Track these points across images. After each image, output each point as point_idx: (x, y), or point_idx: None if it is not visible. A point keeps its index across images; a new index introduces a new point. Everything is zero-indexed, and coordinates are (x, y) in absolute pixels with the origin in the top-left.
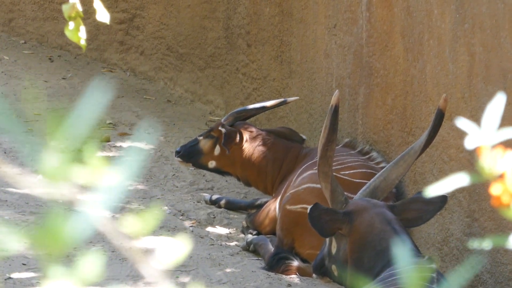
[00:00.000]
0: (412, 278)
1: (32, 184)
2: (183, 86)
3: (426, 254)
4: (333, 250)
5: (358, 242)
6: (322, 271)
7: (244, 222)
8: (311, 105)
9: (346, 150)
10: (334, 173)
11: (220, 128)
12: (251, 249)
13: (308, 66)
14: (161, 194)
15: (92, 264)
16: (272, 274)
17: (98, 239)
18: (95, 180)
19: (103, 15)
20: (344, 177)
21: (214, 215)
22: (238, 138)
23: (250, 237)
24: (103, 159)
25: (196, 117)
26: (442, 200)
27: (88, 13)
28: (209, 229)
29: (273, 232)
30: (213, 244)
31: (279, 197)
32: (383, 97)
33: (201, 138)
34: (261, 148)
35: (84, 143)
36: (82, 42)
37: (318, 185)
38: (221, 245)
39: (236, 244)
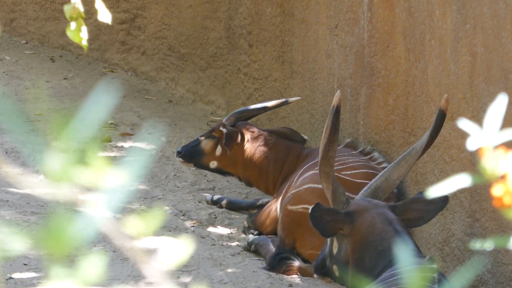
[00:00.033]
0: (414, 278)
1: (33, 184)
2: (184, 86)
3: (427, 254)
4: (335, 250)
5: (360, 242)
6: (323, 271)
7: (245, 222)
8: (312, 105)
9: (347, 151)
10: (335, 174)
11: (221, 128)
12: (252, 249)
13: (309, 67)
14: (162, 194)
15: (93, 264)
16: (273, 274)
17: (99, 239)
18: (98, 181)
19: (105, 16)
20: (345, 177)
21: (215, 215)
22: (239, 138)
23: (251, 237)
24: (105, 159)
25: (198, 117)
26: (443, 201)
27: (89, 13)
28: (211, 229)
29: (274, 232)
30: (214, 244)
31: (281, 197)
32: (384, 98)
33: (202, 138)
34: (262, 148)
35: (86, 143)
36: (84, 42)
37: (320, 186)
38: (222, 245)
39: (237, 244)
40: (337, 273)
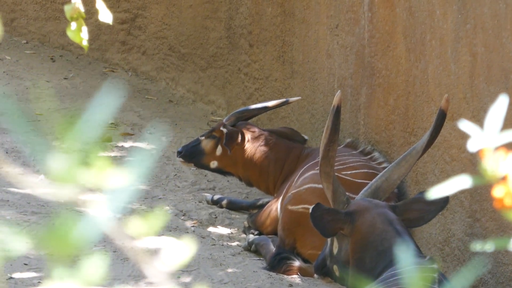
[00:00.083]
0: (414, 278)
1: (34, 184)
2: (185, 86)
3: (428, 254)
4: (335, 250)
5: (360, 242)
6: (323, 271)
7: (245, 222)
8: (313, 105)
9: (348, 150)
10: (336, 173)
11: (222, 128)
12: (253, 249)
13: (310, 66)
14: (162, 194)
15: (94, 264)
16: (273, 274)
17: (100, 239)
18: (100, 181)
19: (105, 16)
20: (346, 177)
21: (215, 215)
22: (240, 138)
23: (251, 237)
24: (107, 159)
25: (198, 117)
26: (443, 201)
27: (90, 13)
28: (211, 229)
29: (274, 232)
30: (214, 244)
31: (281, 197)
32: (385, 98)
33: (203, 138)
34: (263, 148)
35: (88, 143)
36: (84, 42)
37: (320, 185)
38: (222, 245)
39: (237, 244)
40: (337, 273)
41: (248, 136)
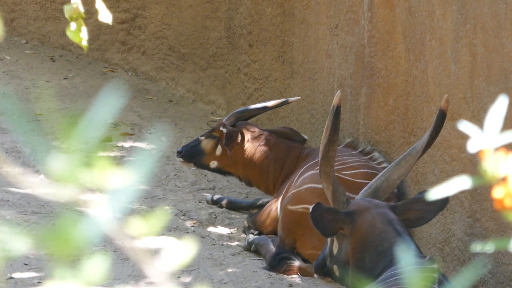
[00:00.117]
0: (414, 278)
1: (34, 184)
2: (185, 86)
3: (428, 254)
4: (335, 250)
5: (360, 242)
6: (323, 271)
7: (245, 222)
8: (312, 105)
9: (347, 150)
10: (335, 173)
11: (221, 128)
12: (253, 249)
13: (310, 67)
14: (162, 194)
15: (94, 264)
16: (273, 274)
17: (100, 239)
18: (100, 181)
19: (105, 16)
20: (345, 177)
21: (215, 215)
22: (239, 138)
23: (251, 237)
24: (106, 159)
25: (198, 117)
26: (443, 201)
27: (90, 13)
28: (211, 229)
29: (274, 232)
30: (214, 244)
31: (281, 197)
32: (385, 98)
33: (202, 138)
34: (262, 148)
35: (88, 143)
36: (84, 42)
37: (320, 185)
38: (222, 245)
39: (237, 244)
40: (337, 273)
41: (248, 136)
